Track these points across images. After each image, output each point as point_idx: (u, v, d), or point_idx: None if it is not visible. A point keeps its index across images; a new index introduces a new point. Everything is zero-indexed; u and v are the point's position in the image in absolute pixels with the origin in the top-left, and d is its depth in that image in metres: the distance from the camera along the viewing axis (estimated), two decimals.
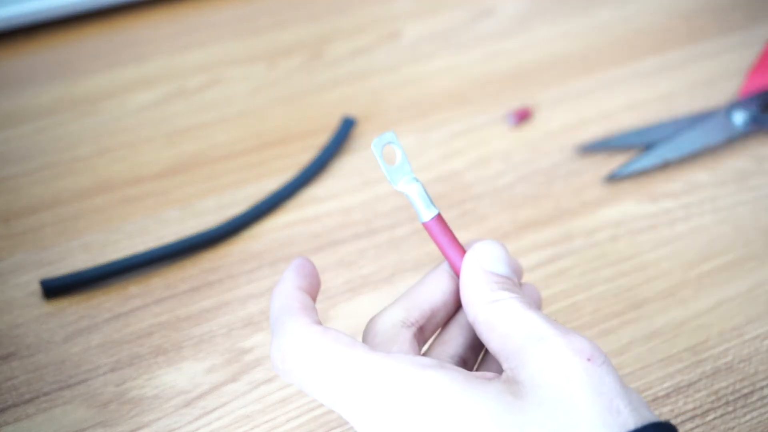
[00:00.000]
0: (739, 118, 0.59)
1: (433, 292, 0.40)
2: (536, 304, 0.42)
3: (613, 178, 0.57)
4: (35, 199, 0.56)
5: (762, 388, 0.47)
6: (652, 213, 0.56)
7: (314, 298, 0.39)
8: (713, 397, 0.46)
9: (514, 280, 0.38)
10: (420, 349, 0.39)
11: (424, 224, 0.40)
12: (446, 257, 0.40)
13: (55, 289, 0.50)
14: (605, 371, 0.34)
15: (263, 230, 0.55)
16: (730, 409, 0.46)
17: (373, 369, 0.34)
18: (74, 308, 0.50)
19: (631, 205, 0.56)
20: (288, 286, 0.39)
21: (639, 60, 0.65)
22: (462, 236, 0.54)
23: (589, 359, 0.34)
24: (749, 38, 0.68)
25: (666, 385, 0.47)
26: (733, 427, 0.45)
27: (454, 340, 0.40)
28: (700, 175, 0.58)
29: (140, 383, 0.47)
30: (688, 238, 0.54)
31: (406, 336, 0.38)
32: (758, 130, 0.59)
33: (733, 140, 0.59)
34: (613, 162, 0.59)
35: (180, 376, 0.47)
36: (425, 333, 0.40)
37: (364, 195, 0.57)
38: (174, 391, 0.47)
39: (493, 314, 0.36)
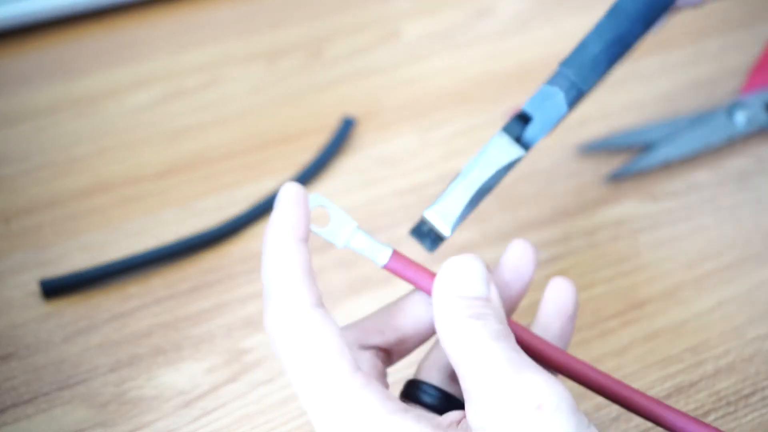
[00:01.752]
0: (741, 117, 0.59)
1: (401, 317, 0.38)
2: (565, 302, 0.40)
3: (614, 178, 0.57)
4: (34, 198, 0.56)
5: (763, 388, 0.46)
6: (652, 213, 0.55)
7: (307, 239, 0.36)
8: (714, 398, 0.46)
9: (486, 298, 0.35)
10: (383, 369, 0.38)
11: (385, 267, 0.38)
12: (421, 289, 0.38)
13: (54, 289, 0.50)
14: (557, 420, 0.31)
15: (263, 230, 0.54)
16: (732, 409, 0.46)
17: (345, 392, 0.33)
18: (73, 308, 0.50)
19: (632, 205, 0.56)
20: (287, 236, 0.35)
21: (639, 59, 0.65)
22: (462, 237, 0.54)
23: (538, 407, 0.31)
24: (750, 38, 0.68)
25: (667, 385, 0.47)
26: (735, 428, 0.45)
27: (434, 367, 0.39)
28: (700, 175, 0.58)
29: (139, 383, 0.47)
30: (688, 238, 0.54)
31: (365, 356, 0.37)
32: (759, 129, 0.59)
33: (735, 140, 0.59)
34: (614, 162, 0.58)
35: (179, 376, 0.47)
36: (392, 357, 0.39)
37: (364, 195, 0.57)
38: (173, 392, 0.47)
39: (457, 348, 0.34)
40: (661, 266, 0.52)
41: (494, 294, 0.36)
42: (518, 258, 0.40)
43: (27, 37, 0.67)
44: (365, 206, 0.56)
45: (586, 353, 0.48)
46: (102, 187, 0.57)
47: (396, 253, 0.38)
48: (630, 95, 0.63)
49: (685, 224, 0.55)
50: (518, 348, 0.34)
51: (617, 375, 0.47)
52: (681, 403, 0.46)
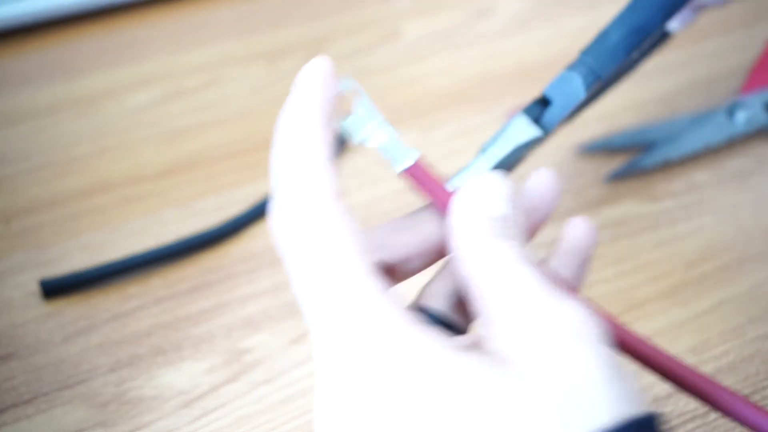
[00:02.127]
0: (741, 117, 0.59)
1: (410, 234, 0.34)
2: (582, 242, 0.38)
3: (614, 178, 0.57)
4: (34, 198, 0.56)
5: (764, 388, 0.46)
6: (652, 213, 0.55)
7: (333, 124, 0.32)
8: None
9: (516, 220, 0.32)
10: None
11: (406, 172, 0.34)
12: (437, 204, 0.34)
13: (54, 289, 0.50)
14: (594, 352, 0.28)
15: (263, 230, 0.55)
16: None
17: (362, 297, 0.29)
18: (73, 308, 0.50)
19: (632, 205, 0.56)
20: (312, 115, 0.31)
21: None
22: None
23: (577, 334, 0.28)
24: (750, 37, 0.68)
25: (667, 385, 0.47)
26: (734, 428, 0.45)
27: (439, 294, 0.36)
28: (700, 175, 0.58)
29: (139, 383, 0.47)
30: (688, 238, 0.54)
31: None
32: (759, 129, 0.59)
33: (735, 140, 0.59)
34: (614, 162, 0.58)
35: (179, 376, 0.47)
36: (395, 276, 0.35)
37: (364, 195, 0.57)
38: (173, 392, 0.47)
39: (480, 268, 0.30)
40: (661, 266, 0.52)
41: (521, 219, 0.32)
42: (542, 185, 0.37)
43: (27, 37, 0.67)
44: (365, 206, 0.56)
45: None
46: (102, 187, 0.57)
47: (421, 160, 0.34)
48: (630, 95, 0.63)
49: (685, 224, 0.55)
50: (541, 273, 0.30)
51: None
52: (681, 403, 0.46)
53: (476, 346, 0.30)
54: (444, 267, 0.36)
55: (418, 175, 0.34)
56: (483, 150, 0.43)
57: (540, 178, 0.37)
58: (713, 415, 0.45)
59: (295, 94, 0.31)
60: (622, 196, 0.56)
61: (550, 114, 0.45)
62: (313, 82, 0.31)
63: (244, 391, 0.47)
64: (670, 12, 0.46)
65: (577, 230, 0.39)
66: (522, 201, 0.36)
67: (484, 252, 0.30)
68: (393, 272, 0.34)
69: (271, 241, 0.54)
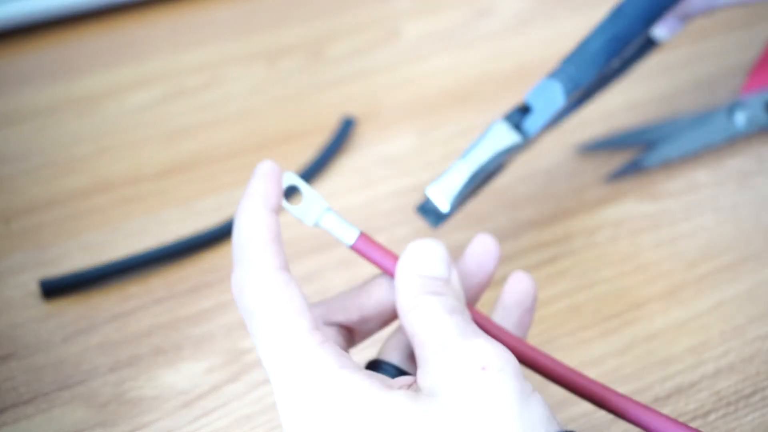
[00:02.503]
0: (741, 117, 0.59)
1: (365, 297, 0.39)
2: (523, 295, 0.41)
3: (614, 178, 0.57)
4: (34, 198, 0.56)
5: (764, 388, 0.46)
6: (652, 213, 0.55)
7: (279, 211, 0.38)
8: (715, 398, 0.46)
9: (445, 279, 0.37)
10: (346, 347, 0.40)
11: (352, 247, 0.39)
12: (383, 270, 0.39)
13: (54, 289, 0.50)
14: (499, 380, 0.32)
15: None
16: (732, 409, 0.46)
17: (302, 348, 0.34)
18: (73, 308, 0.50)
19: (632, 205, 0.56)
20: (258, 205, 0.37)
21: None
22: (462, 236, 0.54)
23: (483, 367, 0.32)
24: (750, 37, 0.68)
25: (667, 385, 0.47)
26: (735, 428, 0.45)
27: (395, 348, 0.40)
28: (701, 174, 0.58)
29: (139, 384, 0.47)
30: (689, 238, 0.54)
31: (328, 332, 0.39)
32: (759, 129, 0.59)
33: (735, 140, 0.59)
34: (614, 161, 0.58)
35: (179, 376, 0.47)
36: (355, 336, 0.40)
37: (364, 195, 0.57)
38: (173, 392, 0.47)
39: (414, 320, 0.36)
40: (661, 266, 0.52)
41: (454, 277, 0.38)
42: (481, 251, 0.41)
43: (27, 36, 0.67)
44: (365, 206, 0.56)
45: (586, 353, 0.48)
46: (102, 186, 0.57)
47: (363, 235, 0.39)
48: (630, 95, 0.63)
49: (686, 224, 0.55)
50: (471, 321, 0.36)
51: (617, 375, 0.47)
52: (681, 403, 0.46)
53: (411, 386, 0.35)
54: (399, 326, 0.41)
55: (365, 247, 0.39)
56: (463, 155, 0.43)
57: (480, 243, 0.41)
58: (713, 416, 0.45)
59: (247, 190, 0.38)
60: (622, 196, 0.56)
61: (531, 121, 0.45)
62: (260, 180, 0.38)
63: (244, 391, 0.47)
64: (649, 21, 0.46)
65: (518, 284, 0.42)
66: (461, 266, 0.40)
67: (418, 305, 0.36)
68: (352, 333, 0.40)
69: None
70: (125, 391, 0.46)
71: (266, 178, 0.38)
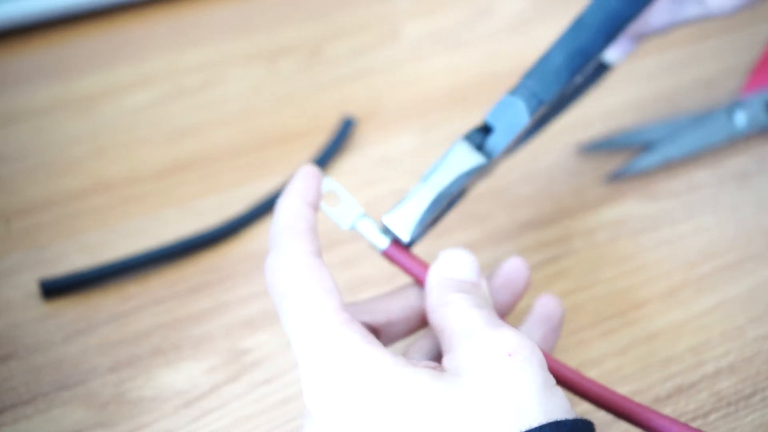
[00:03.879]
0: (741, 117, 0.59)
1: (392, 302, 0.41)
2: (551, 314, 0.43)
3: (615, 178, 0.57)
4: (33, 198, 0.56)
5: (764, 388, 0.46)
6: (652, 213, 0.55)
7: (316, 208, 0.40)
8: (715, 398, 0.46)
9: (474, 282, 0.39)
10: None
11: (384, 253, 0.41)
12: (413, 276, 0.41)
13: (54, 289, 0.50)
14: (524, 368, 0.34)
15: (263, 230, 0.55)
16: (732, 409, 0.46)
17: (329, 325, 0.36)
18: (73, 308, 0.50)
19: (632, 205, 0.56)
20: (296, 201, 0.39)
21: (639, 59, 0.65)
22: (462, 237, 0.54)
23: (510, 354, 0.34)
24: (750, 37, 0.68)
25: (667, 385, 0.47)
26: (735, 428, 0.45)
27: (418, 352, 0.42)
28: (701, 174, 0.58)
29: (139, 384, 0.47)
30: (689, 238, 0.54)
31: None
32: (760, 129, 0.59)
33: (735, 140, 0.59)
34: (614, 161, 0.58)
35: (179, 376, 0.47)
36: (380, 338, 0.41)
37: (364, 195, 0.57)
38: (173, 392, 0.47)
39: (443, 316, 0.37)
40: (661, 266, 0.52)
41: (483, 283, 0.40)
42: (512, 270, 0.43)
43: (26, 36, 0.67)
44: (365, 206, 0.55)
45: (586, 353, 0.48)
46: (101, 187, 0.57)
47: (395, 242, 0.41)
48: (630, 95, 0.63)
49: (686, 224, 0.55)
50: (497, 316, 0.37)
51: (618, 375, 0.47)
52: (681, 403, 0.46)
53: (436, 369, 0.36)
54: (425, 331, 0.43)
55: (396, 254, 0.41)
56: (424, 179, 0.42)
57: (511, 264, 0.43)
58: (713, 416, 0.45)
59: (288, 186, 0.40)
60: (622, 196, 0.56)
61: (494, 140, 0.43)
62: (301, 178, 0.40)
63: (243, 391, 0.47)
64: (612, 33, 0.45)
65: (546, 304, 0.44)
66: (491, 282, 0.43)
67: (446, 302, 0.38)
68: (378, 334, 0.41)
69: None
70: (125, 392, 0.46)
71: (306, 177, 0.40)
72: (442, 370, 0.35)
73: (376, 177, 0.58)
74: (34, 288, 0.51)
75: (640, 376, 0.47)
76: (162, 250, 0.52)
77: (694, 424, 0.45)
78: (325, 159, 0.58)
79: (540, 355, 0.34)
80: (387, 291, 0.42)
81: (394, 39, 0.68)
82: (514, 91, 0.44)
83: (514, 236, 0.54)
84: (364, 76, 0.65)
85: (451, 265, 0.40)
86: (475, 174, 0.42)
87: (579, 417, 0.34)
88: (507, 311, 0.43)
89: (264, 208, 0.55)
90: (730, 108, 0.60)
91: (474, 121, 0.61)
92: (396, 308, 0.41)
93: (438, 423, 0.33)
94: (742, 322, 0.49)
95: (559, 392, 0.34)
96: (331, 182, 0.41)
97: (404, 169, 0.58)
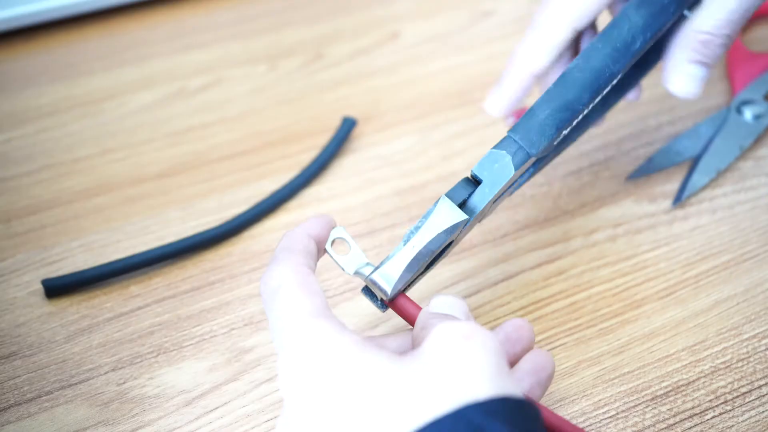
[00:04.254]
0: (749, 113, 0.59)
1: (386, 341, 0.43)
2: (540, 368, 0.43)
3: (633, 177, 0.57)
4: (37, 199, 0.56)
5: (760, 387, 0.47)
6: (650, 213, 0.56)
7: (321, 250, 0.43)
8: (711, 396, 0.46)
9: (455, 317, 0.41)
10: None
11: (388, 302, 0.43)
12: (410, 321, 0.43)
13: (57, 288, 0.51)
14: (479, 349, 0.35)
15: (264, 230, 0.55)
16: (729, 408, 0.46)
17: (308, 319, 0.37)
18: (75, 308, 0.50)
19: (630, 206, 0.56)
20: (299, 230, 0.42)
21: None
22: (461, 237, 0.54)
23: (466, 337, 0.35)
24: (750, 38, 0.68)
25: (665, 384, 0.47)
26: (732, 426, 0.45)
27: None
28: (698, 175, 0.58)
29: (141, 382, 0.47)
30: (686, 238, 0.54)
31: None
32: None
33: (761, 137, 0.59)
34: (614, 162, 0.59)
35: (181, 375, 0.47)
36: None
37: (365, 195, 0.57)
38: (175, 391, 0.47)
39: (422, 338, 0.38)
40: (659, 266, 0.53)
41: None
42: (512, 330, 0.44)
43: (30, 38, 0.67)
44: (365, 206, 0.56)
45: (585, 352, 0.48)
46: (104, 187, 0.57)
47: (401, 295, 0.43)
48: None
49: (683, 224, 0.55)
50: None
51: (615, 374, 0.47)
52: (678, 402, 0.46)
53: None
54: None
55: (398, 304, 0.43)
56: (406, 238, 0.43)
57: (513, 324, 0.44)
58: (710, 414, 0.46)
59: (298, 226, 0.43)
60: (621, 197, 0.57)
61: (479, 195, 0.44)
62: (313, 217, 0.43)
63: (245, 390, 0.47)
64: (598, 90, 0.46)
65: (538, 357, 0.43)
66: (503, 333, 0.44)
67: (427, 325, 0.39)
68: None
69: (272, 241, 0.54)
70: (127, 390, 0.47)
71: (316, 218, 0.43)
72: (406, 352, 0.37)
73: (376, 177, 0.58)
74: (37, 287, 0.51)
75: (637, 374, 0.47)
76: (164, 249, 0.52)
77: (691, 423, 0.45)
78: (326, 159, 0.58)
79: (497, 344, 0.36)
80: (392, 332, 0.44)
81: (395, 41, 0.69)
82: (500, 145, 0.45)
83: (514, 236, 0.55)
84: (364, 78, 0.65)
85: (441, 305, 0.41)
86: (460, 230, 0.43)
87: (526, 397, 0.35)
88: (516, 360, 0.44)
89: (266, 208, 0.55)
90: (737, 107, 0.60)
91: (474, 121, 0.62)
92: (391, 346, 0.43)
93: (392, 400, 0.34)
94: (739, 322, 0.50)
95: (512, 378, 0.36)
96: (341, 231, 0.43)
97: (404, 169, 0.58)
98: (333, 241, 0.43)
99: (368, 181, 0.58)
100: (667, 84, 0.50)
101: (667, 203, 0.56)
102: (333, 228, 0.43)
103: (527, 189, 0.57)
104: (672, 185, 0.57)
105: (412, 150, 0.60)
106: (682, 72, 0.49)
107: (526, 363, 0.43)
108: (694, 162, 0.58)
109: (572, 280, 0.52)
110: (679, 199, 0.56)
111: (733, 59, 0.64)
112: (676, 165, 0.58)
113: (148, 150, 0.60)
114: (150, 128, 0.61)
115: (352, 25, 0.69)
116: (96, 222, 0.55)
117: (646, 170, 0.58)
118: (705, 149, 0.58)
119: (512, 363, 0.43)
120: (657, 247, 0.54)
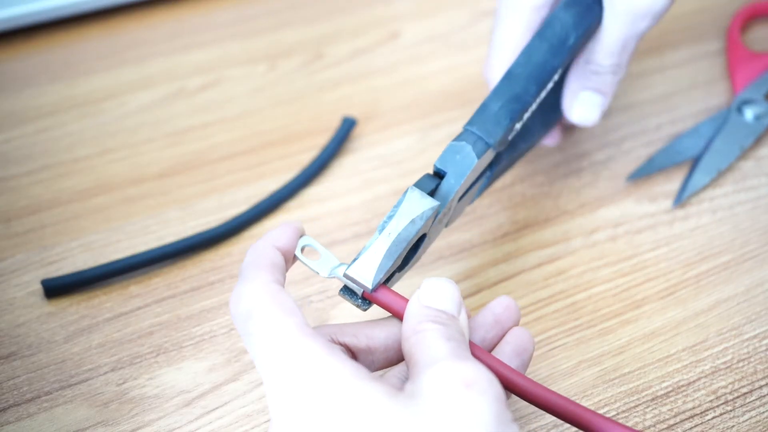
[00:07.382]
0: (749, 113, 0.59)
1: (376, 329, 0.41)
2: (521, 350, 0.43)
3: (633, 178, 0.57)
4: (36, 199, 0.56)
5: (761, 387, 0.47)
6: (651, 213, 0.56)
7: (289, 260, 0.42)
8: (712, 397, 0.46)
9: (451, 315, 0.39)
10: None
11: (365, 295, 0.42)
12: (394, 312, 0.41)
13: (56, 288, 0.51)
14: (480, 399, 0.34)
15: (264, 230, 0.55)
16: (729, 408, 0.46)
17: (291, 340, 0.36)
18: (75, 308, 0.50)
19: (630, 205, 0.56)
20: (264, 243, 0.41)
21: (638, 60, 0.65)
22: (462, 237, 0.54)
23: (467, 385, 0.34)
24: (750, 38, 0.68)
25: (665, 384, 0.47)
26: (732, 427, 0.45)
27: (401, 374, 0.43)
28: (698, 175, 0.58)
29: (141, 383, 0.47)
30: (686, 238, 0.54)
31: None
32: None
33: (761, 137, 0.59)
34: (614, 162, 0.59)
35: (181, 375, 0.48)
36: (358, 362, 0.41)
37: (365, 195, 0.57)
38: (175, 391, 0.47)
39: (412, 344, 0.38)
40: (659, 266, 0.53)
41: (463, 316, 0.40)
42: (502, 310, 0.43)
43: (29, 38, 0.67)
44: (365, 206, 0.56)
45: (585, 353, 0.48)
46: (104, 187, 0.57)
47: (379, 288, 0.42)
48: (629, 95, 0.64)
49: (683, 224, 0.55)
50: (468, 349, 0.38)
51: (616, 374, 0.47)
52: (679, 402, 0.46)
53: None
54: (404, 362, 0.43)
55: (376, 294, 0.42)
56: (380, 229, 0.43)
57: (501, 302, 0.44)
58: (710, 414, 0.46)
59: (262, 237, 0.41)
60: (620, 197, 0.57)
61: (447, 184, 0.45)
62: (279, 228, 0.42)
63: (244, 390, 0.47)
64: (543, 82, 0.48)
65: (518, 338, 0.43)
66: (479, 316, 0.43)
67: (419, 331, 0.38)
68: (355, 358, 0.41)
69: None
70: (127, 390, 0.47)
71: (281, 228, 0.42)
72: (394, 386, 0.36)
73: (376, 177, 0.58)
74: (37, 287, 0.51)
75: (638, 375, 0.47)
76: (164, 249, 0.52)
77: (691, 423, 0.45)
78: (325, 159, 0.58)
79: (499, 389, 0.35)
80: (375, 319, 0.42)
81: (395, 40, 0.69)
82: (459, 138, 0.46)
83: (514, 236, 0.55)
84: (364, 77, 0.65)
85: (431, 294, 0.40)
86: (432, 218, 0.43)
87: None
88: (492, 347, 0.43)
89: (265, 209, 0.55)
90: (738, 107, 0.60)
91: None
92: (379, 336, 0.41)
93: None
94: (740, 322, 0.50)
95: (514, 428, 0.35)
96: (308, 239, 0.42)
97: (404, 169, 0.58)
98: (303, 248, 0.42)
99: (368, 181, 0.58)
100: (566, 113, 0.53)
101: (668, 203, 0.56)
102: (301, 236, 0.42)
103: (527, 189, 0.57)
104: (672, 185, 0.57)
105: (412, 150, 0.60)
106: (578, 100, 0.52)
107: (507, 345, 0.43)
108: (695, 162, 0.58)
109: (572, 280, 0.52)
110: (679, 199, 0.56)
111: (734, 59, 0.64)
112: (676, 165, 0.58)
113: (147, 150, 0.60)
114: (150, 128, 0.61)
115: (352, 25, 0.69)
116: (96, 222, 0.55)
117: (647, 170, 0.58)
118: (705, 149, 0.58)
119: (494, 340, 0.43)
120: (657, 247, 0.54)
